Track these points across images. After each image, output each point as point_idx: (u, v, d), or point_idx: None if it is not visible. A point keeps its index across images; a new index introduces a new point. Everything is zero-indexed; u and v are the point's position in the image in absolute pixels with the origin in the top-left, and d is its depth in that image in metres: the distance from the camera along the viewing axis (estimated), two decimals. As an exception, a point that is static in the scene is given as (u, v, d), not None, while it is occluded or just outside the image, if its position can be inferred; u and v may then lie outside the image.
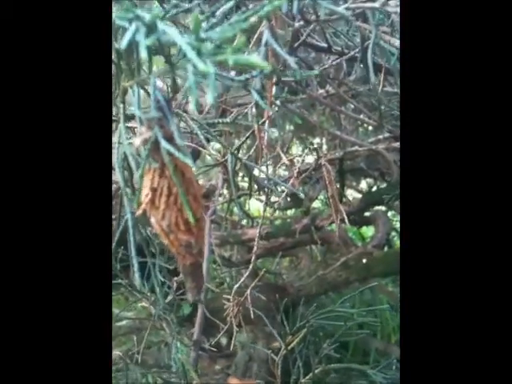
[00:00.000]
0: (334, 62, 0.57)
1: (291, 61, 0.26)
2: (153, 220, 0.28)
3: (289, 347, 0.61)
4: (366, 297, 1.61)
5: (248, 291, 0.55)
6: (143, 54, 0.20)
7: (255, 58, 0.21)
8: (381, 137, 1.40)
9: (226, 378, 1.33)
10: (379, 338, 1.46)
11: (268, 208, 0.66)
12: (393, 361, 1.31)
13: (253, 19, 0.21)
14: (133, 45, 0.25)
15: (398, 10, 0.30)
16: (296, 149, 1.65)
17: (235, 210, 1.61)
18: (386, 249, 1.50)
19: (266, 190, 0.49)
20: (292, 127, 1.59)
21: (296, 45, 0.43)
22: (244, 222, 1.48)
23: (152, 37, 0.20)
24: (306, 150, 0.67)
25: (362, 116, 1.16)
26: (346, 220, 0.55)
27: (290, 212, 1.66)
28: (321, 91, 0.92)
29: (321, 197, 1.49)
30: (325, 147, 1.58)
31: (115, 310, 1.36)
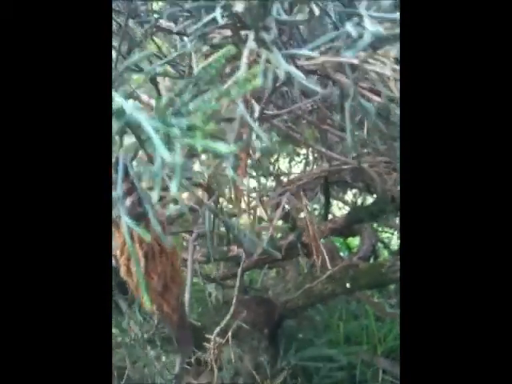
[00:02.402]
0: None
1: (261, 133, 0.26)
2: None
3: None
4: (352, 308, 1.62)
5: (229, 334, 0.55)
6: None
7: (222, 146, 0.20)
8: (365, 150, 1.40)
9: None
10: (365, 350, 1.47)
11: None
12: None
13: (224, 102, 0.21)
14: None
15: (376, 67, 0.30)
16: (283, 160, 1.65)
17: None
18: (371, 260, 1.50)
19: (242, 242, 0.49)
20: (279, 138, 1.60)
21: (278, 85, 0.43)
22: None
23: (120, 121, 0.20)
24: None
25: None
26: (328, 262, 0.55)
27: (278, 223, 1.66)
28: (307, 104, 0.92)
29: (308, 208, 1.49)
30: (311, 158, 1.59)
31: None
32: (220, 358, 0.58)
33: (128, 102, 0.20)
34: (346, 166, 1.08)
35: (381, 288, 1.62)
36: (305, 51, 0.29)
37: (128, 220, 0.22)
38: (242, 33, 0.30)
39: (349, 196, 1.75)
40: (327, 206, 1.18)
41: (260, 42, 0.27)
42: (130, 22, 0.82)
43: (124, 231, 0.22)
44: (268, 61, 0.26)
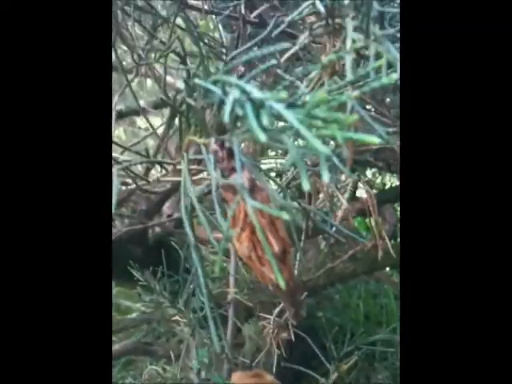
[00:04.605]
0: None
1: (381, 130, 0.25)
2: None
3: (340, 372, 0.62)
4: (371, 287, 1.63)
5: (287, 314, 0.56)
6: (262, 137, 0.19)
7: (363, 135, 0.20)
8: (390, 130, 1.39)
9: (234, 368, 1.35)
10: (385, 329, 1.48)
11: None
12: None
13: (355, 94, 0.20)
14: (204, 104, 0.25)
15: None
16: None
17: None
18: (393, 241, 1.50)
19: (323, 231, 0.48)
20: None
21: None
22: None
23: (266, 116, 0.19)
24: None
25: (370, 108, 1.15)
26: (388, 242, 0.55)
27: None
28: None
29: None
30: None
31: (127, 303, 1.36)
32: (278, 338, 0.58)
33: (264, 93, 0.20)
34: (374, 146, 1.07)
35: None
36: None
37: (255, 203, 0.22)
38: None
39: (368, 175, 1.74)
40: (355, 186, 1.17)
41: (363, 32, 0.26)
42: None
43: (250, 212, 0.22)
44: (379, 54, 0.25)
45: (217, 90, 0.21)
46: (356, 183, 1.23)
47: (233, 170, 0.25)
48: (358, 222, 1.77)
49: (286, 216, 0.21)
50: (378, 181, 1.75)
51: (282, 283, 0.22)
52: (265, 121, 0.19)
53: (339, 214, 0.57)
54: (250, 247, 0.26)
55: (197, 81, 0.24)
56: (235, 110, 0.20)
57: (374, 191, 1.56)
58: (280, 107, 0.19)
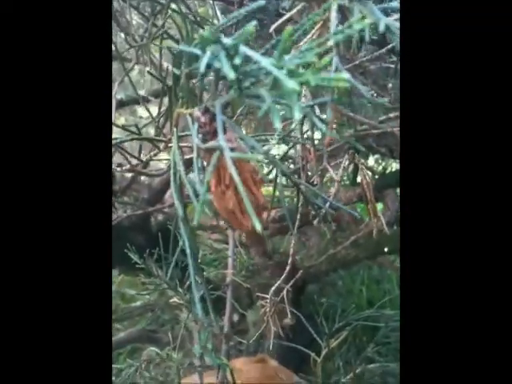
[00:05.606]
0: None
1: (364, 89, 0.25)
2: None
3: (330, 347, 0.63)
4: (374, 273, 1.63)
5: (284, 292, 0.56)
6: (231, 75, 0.19)
7: (333, 75, 0.20)
8: (392, 115, 1.38)
9: (238, 355, 1.36)
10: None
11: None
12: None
13: (330, 43, 0.20)
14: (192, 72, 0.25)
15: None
16: (305, 123, 1.63)
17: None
18: (395, 226, 1.50)
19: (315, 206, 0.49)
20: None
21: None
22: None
23: (238, 57, 0.20)
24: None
25: (372, 93, 1.14)
26: (385, 227, 0.55)
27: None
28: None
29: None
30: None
31: (131, 291, 1.38)
32: (275, 317, 0.59)
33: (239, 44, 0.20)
34: (375, 131, 1.07)
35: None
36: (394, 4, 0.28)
37: (233, 153, 0.22)
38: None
39: (370, 161, 1.73)
40: (355, 172, 1.17)
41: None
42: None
43: (229, 164, 0.22)
44: (362, 13, 0.25)
45: (197, 51, 0.22)
46: (357, 168, 1.22)
47: (215, 133, 0.25)
48: (360, 207, 1.77)
49: (259, 157, 0.21)
50: (381, 168, 1.74)
51: (259, 228, 0.23)
52: (237, 60, 0.19)
53: (333, 190, 0.57)
54: (236, 203, 0.26)
55: (181, 47, 0.24)
56: (213, 63, 0.20)
57: (376, 177, 1.56)
58: (253, 52, 0.20)
